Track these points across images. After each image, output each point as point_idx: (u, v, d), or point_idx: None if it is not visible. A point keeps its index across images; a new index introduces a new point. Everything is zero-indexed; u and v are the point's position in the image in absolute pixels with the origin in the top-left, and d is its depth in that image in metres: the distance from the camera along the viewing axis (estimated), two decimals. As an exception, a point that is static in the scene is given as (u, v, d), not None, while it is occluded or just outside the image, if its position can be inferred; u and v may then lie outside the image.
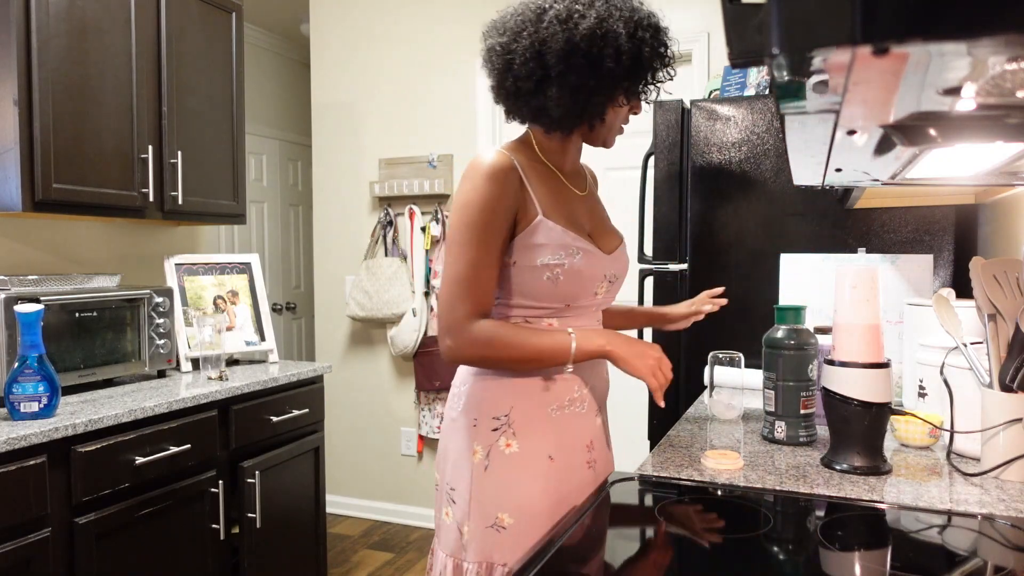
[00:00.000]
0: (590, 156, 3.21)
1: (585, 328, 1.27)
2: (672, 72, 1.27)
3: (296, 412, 2.42)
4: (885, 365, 1.19)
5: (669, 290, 2.20)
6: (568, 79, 1.17)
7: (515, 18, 1.21)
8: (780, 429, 1.37)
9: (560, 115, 1.22)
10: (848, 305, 1.21)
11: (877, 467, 1.19)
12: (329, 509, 3.73)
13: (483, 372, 1.29)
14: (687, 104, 2.23)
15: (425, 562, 3.12)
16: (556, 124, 1.25)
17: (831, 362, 1.22)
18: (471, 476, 1.26)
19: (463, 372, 1.33)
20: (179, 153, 2.38)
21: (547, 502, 1.24)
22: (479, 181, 1.20)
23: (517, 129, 3.01)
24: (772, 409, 1.38)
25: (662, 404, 1.22)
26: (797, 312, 1.37)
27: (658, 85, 1.26)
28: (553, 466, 1.26)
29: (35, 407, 1.70)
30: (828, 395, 1.21)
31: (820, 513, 1.02)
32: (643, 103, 1.31)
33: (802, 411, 1.35)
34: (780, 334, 1.37)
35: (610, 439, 1.43)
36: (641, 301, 2.31)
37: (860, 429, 1.18)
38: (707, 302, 1.56)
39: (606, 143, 1.32)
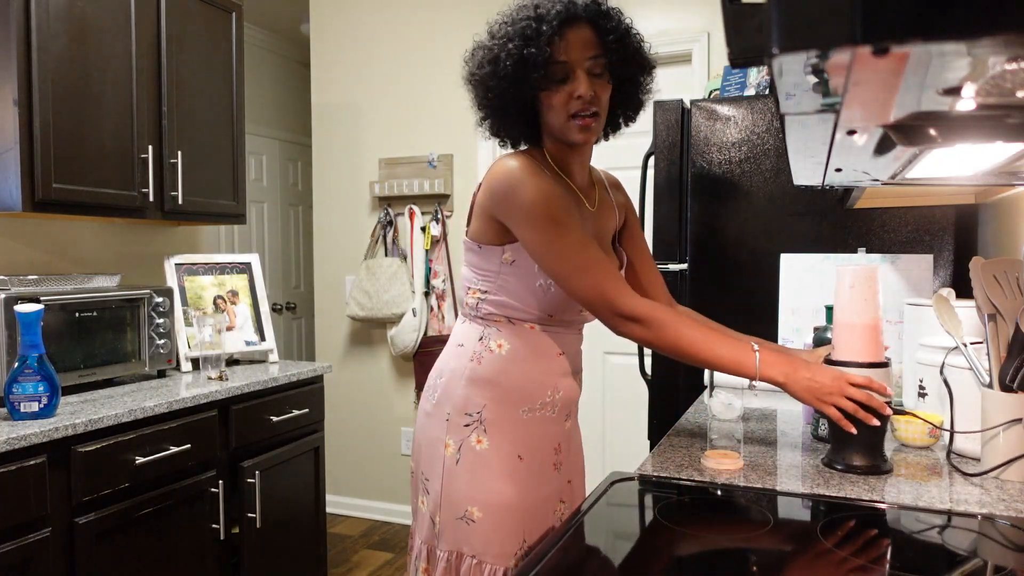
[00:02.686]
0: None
1: (768, 348, 1.19)
2: (588, 43, 1.19)
3: (296, 412, 2.41)
4: (885, 364, 1.19)
5: (669, 290, 2.20)
6: (481, 107, 1.29)
7: None
8: (823, 427, 1.38)
9: (504, 135, 1.32)
10: (847, 304, 1.21)
11: (877, 466, 1.19)
12: (329, 509, 3.73)
13: (458, 369, 1.31)
14: (687, 104, 2.22)
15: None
16: (515, 143, 1.33)
17: (831, 361, 1.22)
18: (443, 468, 1.29)
19: (439, 366, 1.36)
20: (179, 153, 2.38)
21: (517, 499, 1.26)
22: (525, 179, 1.21)
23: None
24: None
25: (852, 430, 1.13)
26: None
27: (557, 61, 1.18)
28: (522, 465, 1.28)
29: (35, 407, 1.70)
30: None
31: (820, 513, 1.02)
32: (585, 82, 1.19)
33: None
34: (829, 333, 1.37)
35: (581, 444, 1.45)
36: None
37: (860, 429, 1.18)
38: None
39: (566, 139, 1.26)
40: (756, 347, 1.16)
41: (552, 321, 1.30)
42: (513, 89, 1.22)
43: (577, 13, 1.18)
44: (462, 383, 1.30)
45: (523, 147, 1.35)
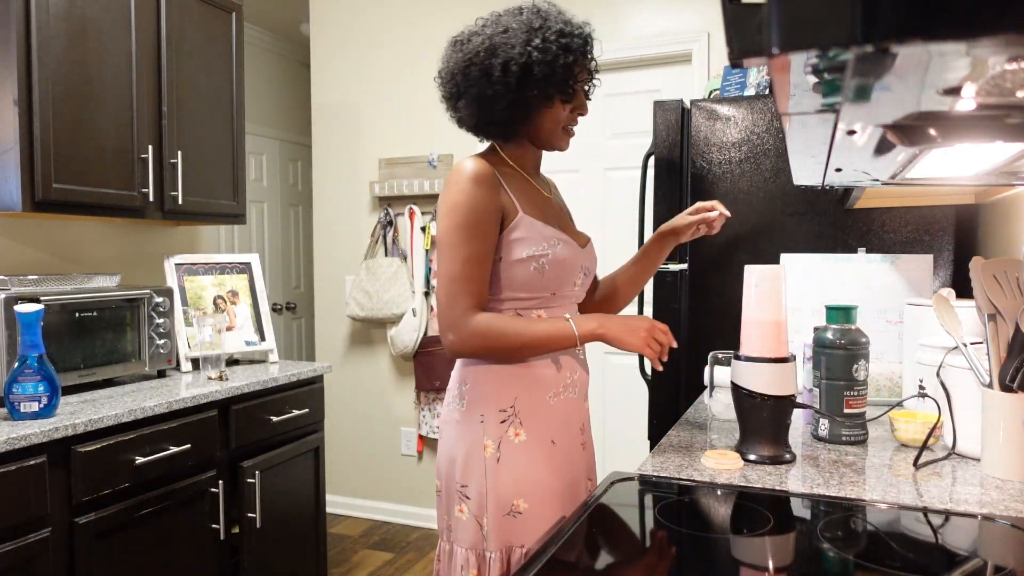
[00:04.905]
0: (589, 157, 3.21)
1: (576, 316, 1.33)
2: (589, 72, 1.36)
3: (296, 412, 2.42)
4: (788, 359, 1.24)
5: (669, 290, 2.20)
6: (470, 92, 1.32)
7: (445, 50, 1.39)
8: (823, 427, 1.39)
9: (475, 123, 1.36)
10: (752, 303, 1.27)
11: (781, 456, 1.24)
12: (329, 509, 3.73)
13: (482, 369, 1.35)
14: (687, 104, 2.22)
15: (425, 562, 3.12)
16: (477, 131, 1.38)
17: (739, 357, 1.27)
18: (484, 470, 1.32)
19: (461, 373, 1.39)
20: (179, 153, 2.38)
21: (555, 484, 1.33)
22: (464, 185, 1.29)
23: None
24: (817, 407, 1.40)
25: (659, 368, 1.29)
26: (847, 312, 1.38)
27: (573, 86, 1.32)
28: (556, 449, 1.35)
29: (35, 407, 1.70)
30: (736, 388, 1.27)
31: (820, 513, 1.02)
32: (585, 105, 1.37)
33: (846, 410, 1.36)
34: (829, 334, 1.37)
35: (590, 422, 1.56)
36: (641, 300, 2.31)
37: (765, 420, 1.24)
38: (705, 210, 1.52)
39: (552, 146, 1.39)
40: (568, 316, 1.31)
41: (554, 300, 1.36)
42: (536, 91, 1.29)
43: (587, 51, 1.33)
44: (489, 381, 1.34)
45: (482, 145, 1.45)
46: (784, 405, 1.24)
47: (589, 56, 1.34)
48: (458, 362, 1.41)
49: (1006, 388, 1.15)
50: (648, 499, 1.09)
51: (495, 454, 1.31)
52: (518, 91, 1.28)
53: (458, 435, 1.35)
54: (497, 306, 1.35)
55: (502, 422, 1.32)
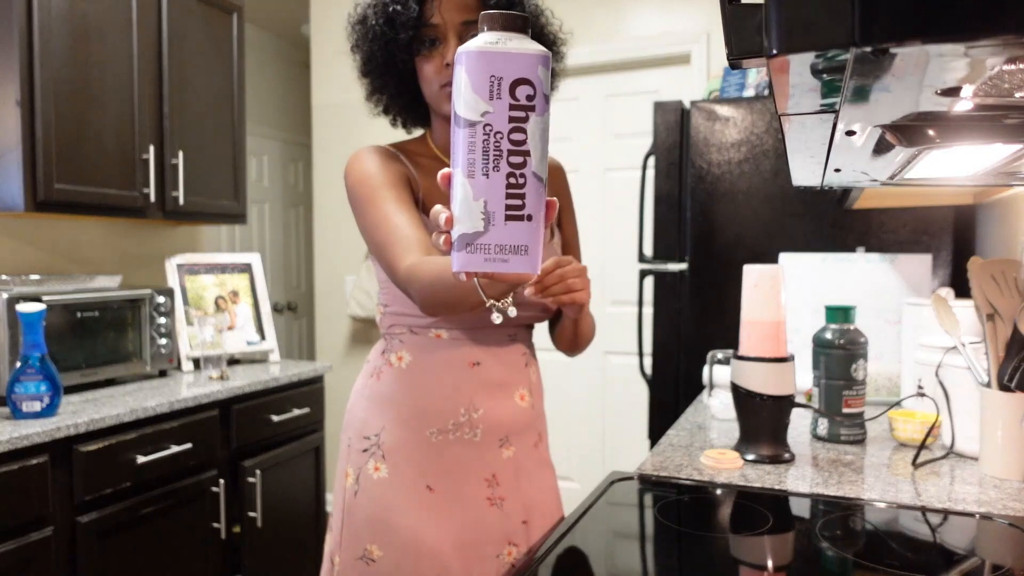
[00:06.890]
0: (589, 157, 3.21)
1: None
2: (454, 13, 1.09)
3: (297, 411, 2.42)
4: (787, 359, 1.25)
5: (669, 290, 2.20)
6: (363, 79, 1.19)
7: None
8: (822, 426, 1.39)
9: (382, 111, 1.21)
10: (751, 303, 1.27)
11: (780, 455, 1.25)
12: (329, 508, 3.73)
13: (360, 388, 1.21)
14: (687, 105, 2.23)
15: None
16: (400, 123, 1.24)
17: (738, 357, 1.28)
18: (343, 501, 1.18)
19: (351, 393, 1.25)
20: (180, 153, 2.38)
21: (426, 536, 1.11)
22: (351, 165, 1.13)
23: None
24: (816, 406, 1.41)
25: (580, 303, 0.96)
26: (846, 312, 1.38)
27: (412, 33, 1.09)
28: (434, 498, 1.13)
29: (37, 407, 1.71)
30: (735, 388, 1.28)
31: (819, 512, 1.03)
32: (450, 52, 1.09)
33: (845, 410, 1.36)
34: (828, 333, 1.38)
35: (549, 481, 1.25)
36: (641, 301, 2.32)
37: (765, 420, 1.24)
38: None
39: (439, 111, 1.14)
40: None
41: (457, 321, 1.14)
42: (383, 53, 1.11)
43: None
44: (361, 403, 1.19)
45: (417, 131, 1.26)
46: (783, 405, 1.25)
47: None
48: None
49: (1004, 388, 1.15)
50: (648, 498, 1.09)
51: (354, 486, 1.16)
52: (384, 52, 1.11)
53: (338, 456, 1.23)
54: (394, 320, 1.18)
55: (364, 451, 1.15)
